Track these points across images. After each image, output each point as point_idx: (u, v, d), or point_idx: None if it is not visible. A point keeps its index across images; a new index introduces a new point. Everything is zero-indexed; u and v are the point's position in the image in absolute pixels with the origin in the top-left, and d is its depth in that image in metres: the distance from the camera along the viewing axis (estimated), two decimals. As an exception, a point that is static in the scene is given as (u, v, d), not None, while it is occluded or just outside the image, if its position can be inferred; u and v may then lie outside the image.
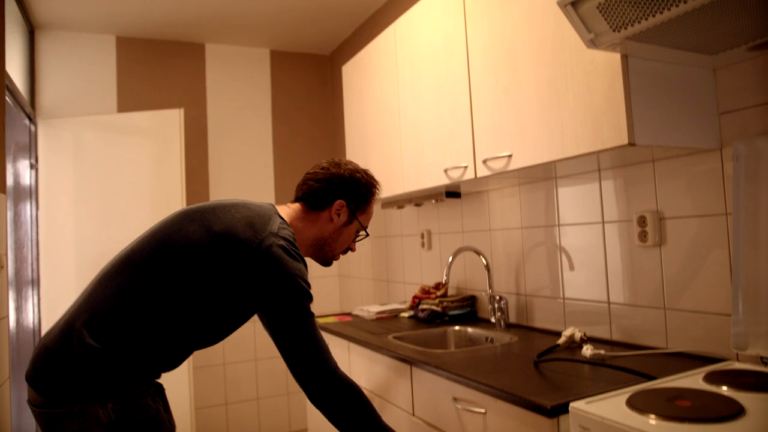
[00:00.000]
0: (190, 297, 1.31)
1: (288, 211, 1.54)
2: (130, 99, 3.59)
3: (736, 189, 1.42)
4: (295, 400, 3.87)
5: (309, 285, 1.37)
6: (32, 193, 3.32)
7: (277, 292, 1.32)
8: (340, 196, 1.52)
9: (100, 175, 3.24)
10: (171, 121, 3.34)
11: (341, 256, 1.63)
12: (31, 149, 3.31)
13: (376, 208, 3.48)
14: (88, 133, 3.29)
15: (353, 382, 1.39)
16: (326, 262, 1.62)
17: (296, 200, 1.57)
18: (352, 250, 1.64)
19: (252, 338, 3.74)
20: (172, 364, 1.38)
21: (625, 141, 1.36)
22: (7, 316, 2.42)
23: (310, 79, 4.12)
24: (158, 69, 3.68)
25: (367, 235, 1.64)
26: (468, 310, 2.49)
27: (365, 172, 1.59)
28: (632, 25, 1.19)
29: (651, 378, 1.33)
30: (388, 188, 2.55)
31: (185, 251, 1.32)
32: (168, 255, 1.32)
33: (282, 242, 1.34)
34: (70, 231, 3.15)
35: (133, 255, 1.36)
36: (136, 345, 1.27)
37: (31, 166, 3.32)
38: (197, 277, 1.31)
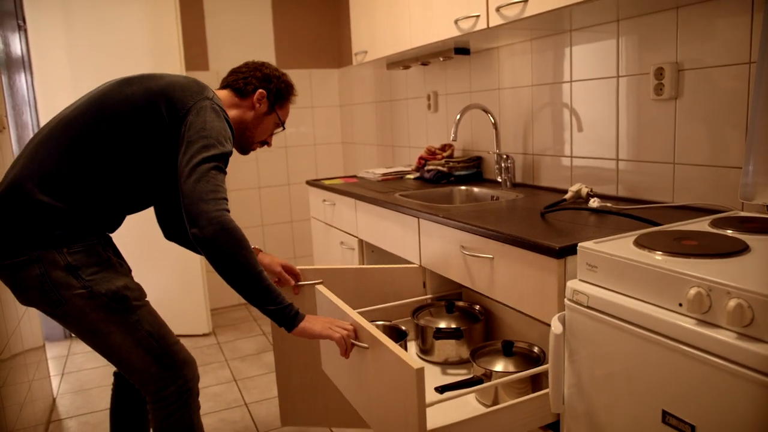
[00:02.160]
0: (129, 151, 1.42)
1: (223, 96, 1.63)
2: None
3: (765, 34, 1.35)
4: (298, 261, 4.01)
5: (229, 146, 1.43)
6: (24, 60, 3.20)
7: (192, 132, 1.38)
8: (262, 86, 1.64)
9: (91, 35, 3.09)
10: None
11: (258, 147, 1.72)
12: (17, 9, 3.14)
13: (381, 71, 3.38)
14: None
15: (241, 232, 1.36)
16: (244, 148, 1.70)
17: (222, 87, 1.67)
18: (269, 144, 1.74)
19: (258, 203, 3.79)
20: (116, 217, 1.51)
21: (654, -23, 1.27)
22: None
23: (309, -71, 3.81)
24: None
25: (284, 128, 1.75)
26: (474, 171, 2.49)
27: (285, 74, 1.72)
28: None
29: (656, 224, 1.36)
30: (394, 45, 2.44)
31: (124, 109, 1.41)
32: (108, 114, 1.41)
33: (215, 105, 1.45)
34: (68, 97, 3.05)
35: (74, 117, 1.43)
36: (82, 198, 1.38)
37: (19, 27, 3.17)
38: (135, 132, 1.41)
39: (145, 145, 1.43)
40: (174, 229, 1.78)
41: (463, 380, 1.47)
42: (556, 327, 1.18)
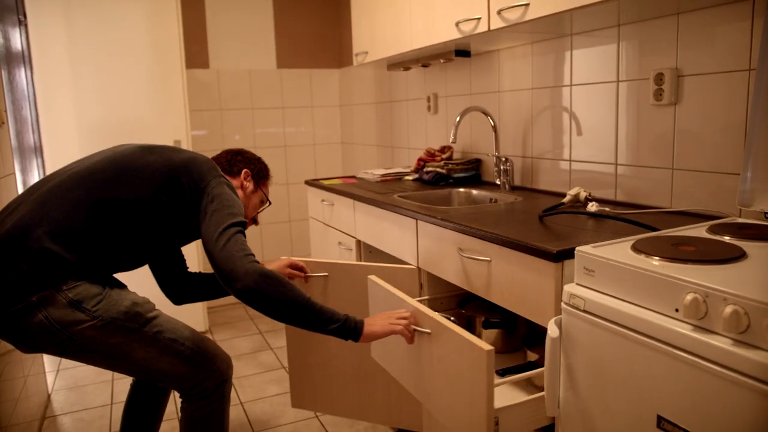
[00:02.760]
0: (148, 217, 1.47)
1: None
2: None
3: (765, 41, 1.35)
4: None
5: (244, 218, 1.50)
6: (24, 55, 3.19)
7: (214, 202, 1.47)
8: (247, 167, 1.80)
9: (92, 32, 3.09)
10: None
11: (248, 225, 1.72)
12: (17, 3, 3.14)
13: (382, 71, 3.37)
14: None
15: (273, 272, 1.38)
16: None
17: None
18: (256, 222, 1.86)
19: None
20: (120, 268, 1.53)
21: (655, -17, 1.27)
22: (14, 173, 2.43)
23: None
24: None
25: (270, 203, 1.90)
26: (473, 173, 2.49)
27: (260, 158, 1.88)
28: None
29: (654, 230, 1.36)
30: (395, 46, 2.45)
31: (147, 177, 1.48)
32: (130, 177, 1.47)
33: (228, 182, 1.57)
34: (68, 94, 3.06)
35: (92, 173, 1.47)
36: (94, 254, 1.41)
37: (20, 22, 3.16)
38: (156, 201, 1.47)
39: (163, 213, 1.49)
40: (180, 291, 1.80)
41: (520, 365, 1.56)
42: (552, 331, 1.18)
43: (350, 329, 1.41)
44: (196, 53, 3.56)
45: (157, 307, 1.53)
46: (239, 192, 1.74)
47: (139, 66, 3.11)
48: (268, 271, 1.36)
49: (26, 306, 1.33)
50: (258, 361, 2.93)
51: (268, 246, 3.92)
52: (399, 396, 1.87)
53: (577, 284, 1.16)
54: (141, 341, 1.43)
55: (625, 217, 1.50)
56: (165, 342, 1.47)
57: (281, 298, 1.35)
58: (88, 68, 3.06)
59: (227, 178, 1.63)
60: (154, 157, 1.53)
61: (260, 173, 1.83)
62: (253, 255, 1.40)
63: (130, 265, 1.55)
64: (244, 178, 1.78)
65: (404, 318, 1.43)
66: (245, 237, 1.45)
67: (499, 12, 1.77)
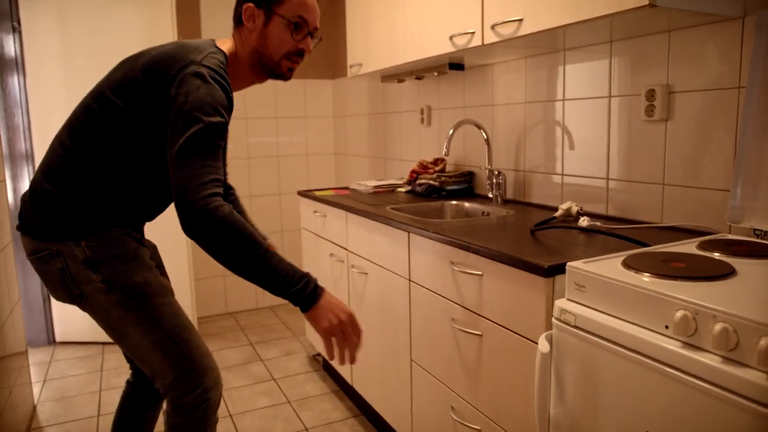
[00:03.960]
0: (121, 136, 1.34)
1: (229, 42, 1.48)
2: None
3: (754, 60, 1.37)
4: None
5: (216, 116, 1.25)
6: (18, 62, 3.18)
7: (174, 110, 1.24)
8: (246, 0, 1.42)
9: (87, 40, 3.08)
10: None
11: (292, 63, 1.47)
12: (12, 10, 3.13)
13: (376, 83, 3.38)
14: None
15: (233, 215, 1.19)
16: (275, 73, 1.48)
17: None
18: (306, 50, 1.47)
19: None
20: (140, 208, 1.44)
21: (646, 1, 1.28)
22: (4, 180, 2.41)
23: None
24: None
25: (309, 33, 1.46)
26: (466, 185, 2.50)
27: None
28: None
29: (645, 245, 1.37)
30: (389, 58, 2.45)
31: (115, 93, 1.34)
32: (97, 98, 1.37)
33: (201, 69, 1.28)
34: (61, 101, 3.05)
35: (75, 111, 1.42)
36: (87, 186, 1.35)
37: (14, 29, 3.16)
38: (128, 114, 1.33)
39: (136, 128, 1.33)
40: None
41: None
42: (543, 346, 1.17)
43: (305, 297, 1.23)
44: (190, 62, 3.56)
45: (174, 299, 1.44)
46: (252, 37, 1.43)
47: (133, 74, 3.10)
48: (219, 214, 1.16)
49: (48, 254, 1.35)
50: (248, 373, 2.91)
51: (259, 256, 3.90)
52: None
53: (568, 300, 1.16)
54: (138, 324, 1.36)
55: (616, 233, 1.51)
56: (160, 335, 1.37)
57: (228, 251, 1.19)
58: (82, 76, 3.04)
59: (238, 31, 1.44)
60: (124, 70, 1.38)
61: None
62: (213, 180, 1.20)
63: (142, 199, 1.42)
64: (248, 16, 1.42)
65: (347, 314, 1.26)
66: (210, 148, 1.22)
67: (492, 27, 1.78)
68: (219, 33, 3.60)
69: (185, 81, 1.26)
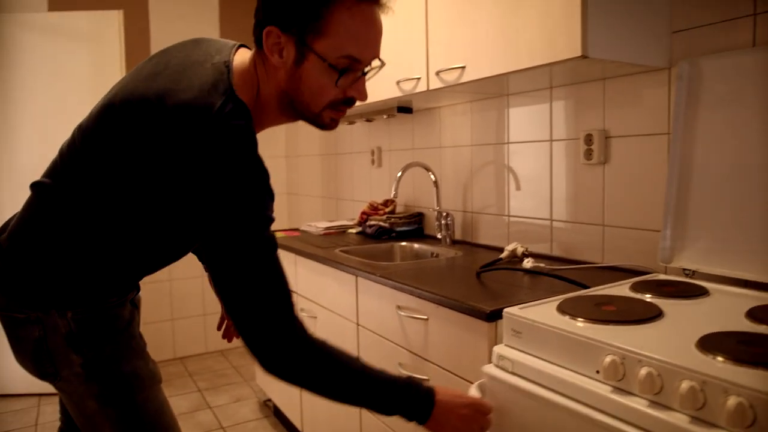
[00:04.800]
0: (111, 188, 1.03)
1: (247, 73, 1.04)
2: (63, -3, 3.31)
3: (677, 109, 1.44)
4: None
5: (269, 206, 0.98)
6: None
7: (210, 210, 0.94)
8: (269, 18, 0.97)
9: (32, 84, 3.03)
10: (109, 23, 3.11)
11: (344, 109, 1.06)
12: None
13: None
14: (16, 32, 3.03)
15: (326, 345, 1.03)
16: (316, 123, 1.07)
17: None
18: (358, 98, 1.05)
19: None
20: (126, 272, 1.14)
21: (579, 53, 1.35)
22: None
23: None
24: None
25: (381, 64, 1.05)
26: (415, 227, 2.52)
27: None
28: (591, -71, 1.15)
29: (584, 287, 1.40)
30: (339, 102, 2.49)
31: (93, 139, 1.04)
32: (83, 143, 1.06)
33: (227, 142, 0.93)
34: (6, 143, 2.97)
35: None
36: (77, 244, 1.06)
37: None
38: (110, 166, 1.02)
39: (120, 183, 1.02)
40: None
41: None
42: (474, 394, 1.17)
43: (417, 406, 1.04)
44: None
45: (160, 387, 1.21)
46: (279, 73, 1.00)
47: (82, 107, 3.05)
48: (305, 357, 0.98)
49: (26, 318, 1.07)
50: (195, 422, 2.81)
51: (207, 299, 3.82)
52: None
53: (507, 345, 1.17)
54: (115, 422, 1.12)
55: (557, 274, 1.54)
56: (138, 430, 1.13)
57: (328, 390, 1.02)
58: (26, 120, 2.98)
59: (260, 54, 1.01)
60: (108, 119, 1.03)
61: (306, 13, 0.93)
62: (284, 306, 0.97)
63: (123, 266, 1.11)
64: (270, 46, 0.98)
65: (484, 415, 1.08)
66: (270, 253, 0.96)
67: (437, 73, 1.83)
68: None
69: (214, 169, 0.91)
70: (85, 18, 3.11)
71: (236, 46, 1.07)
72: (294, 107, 1.04)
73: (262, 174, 0.97)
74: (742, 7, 1.37)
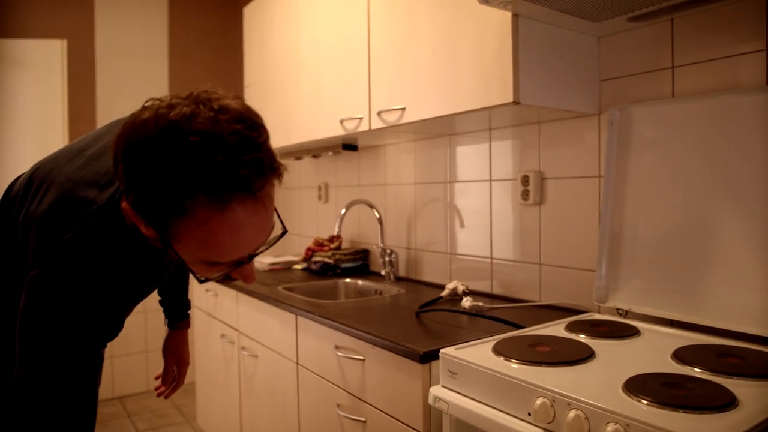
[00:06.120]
0: None
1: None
2: (8, 25, 3.22)
3: (609, 153, 1.50)
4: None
5: (83, 326, 0.81)
6: None
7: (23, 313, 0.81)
8: (124, 187, 0.76)
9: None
10: (52, 52, 3.05)
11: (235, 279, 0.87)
12: None
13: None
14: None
15: None
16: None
17: None
18: (244, 281, 0.87)
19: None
20: None
21: (510, 99, 1.39)
22: None
23: (212, 15, 3.89)
24: (36, -7, 3.32)
25: (283, 232, 0.86)
26: (360, 263, 2.51)
27: (187, 131, 0.70)
28: (521, -17, 1.21)
29: (520, 327, 1.41)
30: (284, 138, 2.48)
31: None
32: None
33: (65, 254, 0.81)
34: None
35: None
36: None
37: None
38: None
39: None
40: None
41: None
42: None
43: None
44: (82, 132, 3.42)
45: None
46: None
47: (21, 144, 2.95)
48: None
49: None
50: (129, 467, 2.67)
51: (151, 333, 3.67)
52: None
53: (443, 386, 1.17)
54: None
55: (493, 316, 1.55)
56: None
57: None
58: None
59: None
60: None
61: (162, 209, 0.72)
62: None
63: None
64: (135, 221, 0.79)
65: None
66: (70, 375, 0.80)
67: (378, 113, 1.85)
68: (115, 107, 3.50)
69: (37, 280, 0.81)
70: (29, 46, 3.03)
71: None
72: None
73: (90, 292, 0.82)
74: (663, 59, 1.45)
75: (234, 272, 0.83)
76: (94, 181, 0.88)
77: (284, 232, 0.86)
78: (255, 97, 2.78)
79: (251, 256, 0.82)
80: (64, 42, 3.09)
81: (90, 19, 3.47)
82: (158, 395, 1.45)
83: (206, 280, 0.85)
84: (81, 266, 0.81)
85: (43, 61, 3.04)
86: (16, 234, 0.92)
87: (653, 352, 1.18)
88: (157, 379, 1.46)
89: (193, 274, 0.83)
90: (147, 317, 3.66)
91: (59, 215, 0.85)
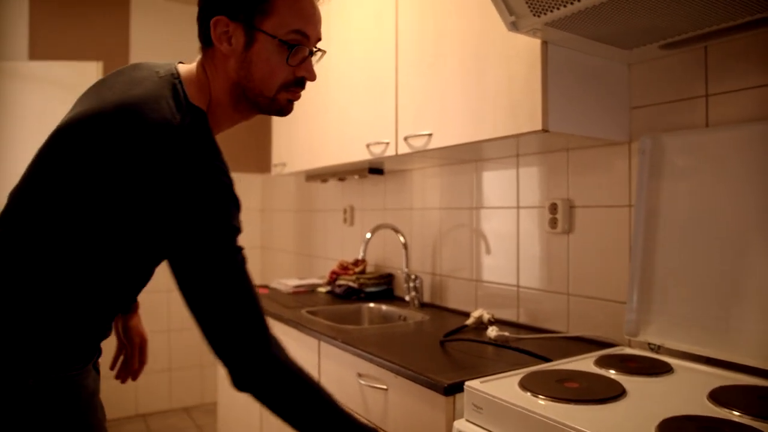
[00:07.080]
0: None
1: (195, 77, 1.06)
2: (43, 46, 3.33)
3: (640, 182, 1.47)
4: (210, 374, 3.79)
5: (237, 215, 0.99)
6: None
7: (174, 220, 0.92)
8: (215, 9, 1.00)
9: (12, 130, 3.00)
10: (88, 74, 3.13)
11: (291, 95, 1.07)
12: None
13: (302, 181, 3.41)
14: (-6, 80, 3.02)
15: (299, 367, 1.01)
16: (271, 109, 1.08)
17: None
18: (308, 78, 1.06)
19: (165, 307, 3.62)
20: (93, 317, 1.01)
21: (539, 127, 1.37)
22: None
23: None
24: (76, 16, 3.42)
25: (311, 52, 1.06)
26: (384, 287, 2.49)
27: None
28: (552, 11, 1.19)
29: (547, 360, 1.38)
30: (311, 161, 2.50)
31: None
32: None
33: (192, 160, 0.93)
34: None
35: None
36: (27, 304, 0.93)
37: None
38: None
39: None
40: None
41: None
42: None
43: None
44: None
45: None
46: (230, 63, 1.02)
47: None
48: (293, 371, 0.98)
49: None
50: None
51: (176, 352, 3.69)
52: None
53: (467, 420, 1.14)
54: None
55: (520, 347, 1.52)
56: None
57: (289, 412, 0.98)
58: (10, 166, 2.93)
59: (207, 53, 1.04)
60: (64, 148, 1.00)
61: (249, 1, 0.98)
62: (263, 322, 0.98)
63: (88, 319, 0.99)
64: (219, 35, 1.00)
65: None
66: (238, 265, 0.96)
67: (405, 138, 1.85)
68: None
69: (174, 186, 0.90)
70: (65, 68, 3.12)
71: (176, 62, 1.09)
72: (247, 97, 1.05)
73: (226, 184, 0.97)
74: (696, 88, 1.42)
75: (300, 68, 1.04)
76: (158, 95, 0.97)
77: (325, 52, 1.09)
78: (283, 121, 2.81)
79: (311, 52, 1.05)
80: (100, 64, 3.17)
81: (125, 41, 3.57)
82: (125, 380, 1.40)
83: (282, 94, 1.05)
84: (211, 159, 0.96)
85: (78, 82, 3.11)
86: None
87: (688, 391, 1.13)
88: (113, 367, 1.38)
89: (295, 67, 1.03)
90: (171, 336, 3.69)
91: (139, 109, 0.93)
